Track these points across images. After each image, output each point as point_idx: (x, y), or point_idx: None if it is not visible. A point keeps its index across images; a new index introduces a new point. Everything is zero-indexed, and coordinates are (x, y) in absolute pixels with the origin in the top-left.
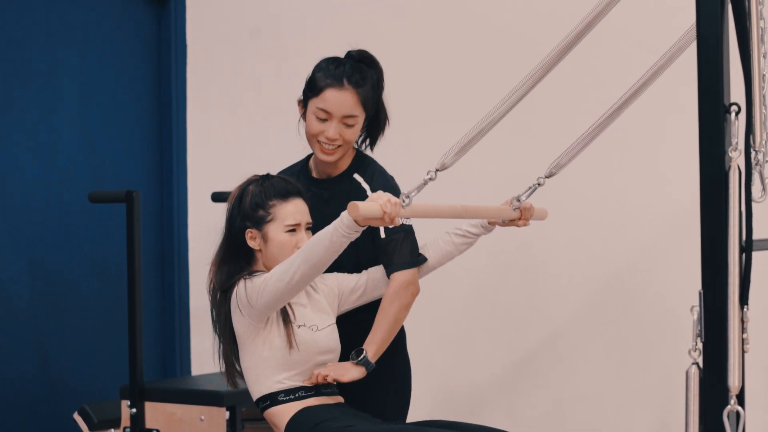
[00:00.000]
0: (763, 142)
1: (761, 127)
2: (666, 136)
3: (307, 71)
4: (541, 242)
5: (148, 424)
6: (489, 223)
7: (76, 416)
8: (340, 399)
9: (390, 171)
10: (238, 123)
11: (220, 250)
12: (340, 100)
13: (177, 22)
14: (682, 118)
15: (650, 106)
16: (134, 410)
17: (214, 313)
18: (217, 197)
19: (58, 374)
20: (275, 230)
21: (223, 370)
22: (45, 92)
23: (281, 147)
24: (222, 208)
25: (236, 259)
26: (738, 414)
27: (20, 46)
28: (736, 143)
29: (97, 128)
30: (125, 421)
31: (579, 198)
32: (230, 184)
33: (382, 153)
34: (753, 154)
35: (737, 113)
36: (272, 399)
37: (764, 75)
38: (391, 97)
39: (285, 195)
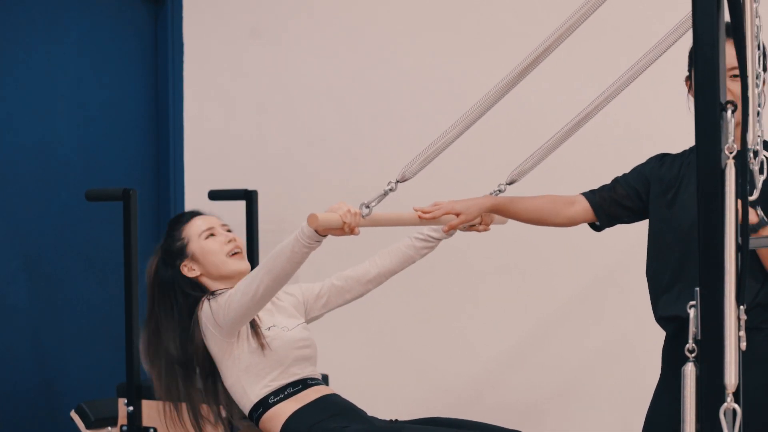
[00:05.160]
0: (758, 140)
1: (754, 125)
2: (660, 135)
3: (303, 69)
4: (534, 240)
5: (145, 422)
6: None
7: (73, 414)
8: (329, 390)
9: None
10: (235, 121)
11: (151, 318)
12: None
13: (174, 20)
14: (676, 117)
15: (645, 105)
16: (131, 408)
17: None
18: (214, 195)
19: (54, 372)
20: (196, 244)
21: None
22: (42, 90)
23: (278, 144)
24: (220, 206)
25: (182, 302)
26: (734, 412)
27: (18, 43)
28: (732, 141)
29: (94, 126)
30: (122, 419)
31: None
32: (227, 182)
33: (383, 150)
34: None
35: (733, 111)
36: (263, 404)
37: (758, 73)
38: (385, 94)
39: (186, 219)
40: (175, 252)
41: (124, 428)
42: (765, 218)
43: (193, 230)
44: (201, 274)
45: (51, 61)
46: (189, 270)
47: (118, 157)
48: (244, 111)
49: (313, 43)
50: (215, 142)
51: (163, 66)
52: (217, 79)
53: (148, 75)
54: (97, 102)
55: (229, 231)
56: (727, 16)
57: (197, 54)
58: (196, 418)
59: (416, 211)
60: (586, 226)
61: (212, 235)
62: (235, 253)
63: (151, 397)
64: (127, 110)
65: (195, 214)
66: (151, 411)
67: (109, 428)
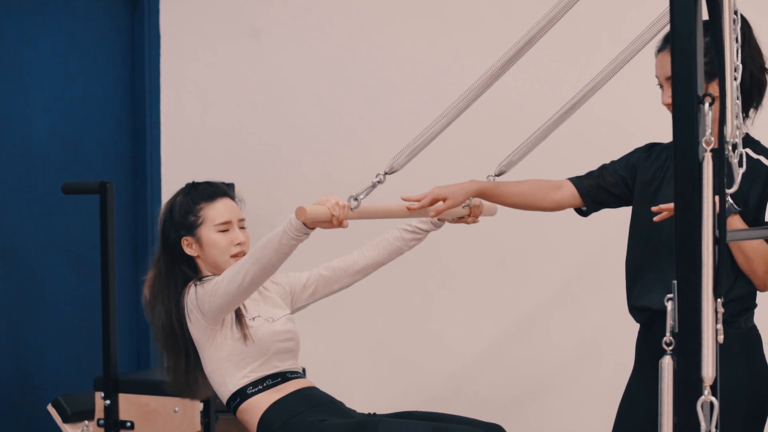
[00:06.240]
0: (737, 133)
1: (733, 118)
2: (639, 128)
3: (281, 61)
4: (512, 234)
5: (122, 416)
6: (439, 219)
7: (50, 408)
8: (309, 383)
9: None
10: (211, 114)
11: (158, 263)
12: (660, 63)
13: (150, 13)
14: (654, 110)
15: (624, 98)
16: (108, 402)
17: (158, 326)
18: None
19: (31, 366)
20: (207, 232)
21: (169, 379)
22: (18, 83)
23: (255, 137)
24: None
25: (177, 272)
26: (711, 404)
27: None
28: (710, 134)
29: (70, 119)
30: (99, 412)
31: None
32: (204, 175)
33: (363, 143)
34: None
35: (711, 104)
36: (241, 394)
37: (737, 66)
38: (364, 86)
39: (212, 197)
40: (186, 224)
41: (101, 422)
42: (734, 206)
43: (212, 216)
44: (198, 257)
45: (27, 54)
46: (188, 246)
47: (95, 150)
48: (221, 104)
49: (292, 35)
50: (192, 135)
51: (140, 59)
52: (194, 71)
53: (125, 68)
54: (73, 95)
55: (243, 228)
56: (705, 15)
57: (174, 47)
58: (193, 371)
59: (404, 199)
60: (565, 220)
61: (226, 230)
62: (238, 254)
63: (128, 390)
64: (103, 103)
65: (221, 195)
66: (128, 404)
67: (86, 422)
